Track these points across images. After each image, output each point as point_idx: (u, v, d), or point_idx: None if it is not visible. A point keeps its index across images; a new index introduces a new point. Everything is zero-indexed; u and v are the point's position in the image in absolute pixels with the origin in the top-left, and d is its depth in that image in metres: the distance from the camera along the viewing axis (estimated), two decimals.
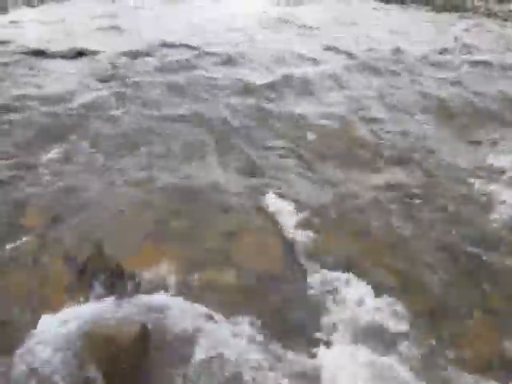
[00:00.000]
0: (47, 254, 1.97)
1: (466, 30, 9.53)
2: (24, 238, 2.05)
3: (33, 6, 14.43)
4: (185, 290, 1.79)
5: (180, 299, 1.74)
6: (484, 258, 2.03)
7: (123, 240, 2.03)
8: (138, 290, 1.80)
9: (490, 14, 12.47)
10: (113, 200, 2.35)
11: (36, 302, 1.75)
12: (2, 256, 1.94)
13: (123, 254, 1.95)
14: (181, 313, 1.67)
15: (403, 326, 1.66)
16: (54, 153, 2.91)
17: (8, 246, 2.00)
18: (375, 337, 1.58)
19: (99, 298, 1.76)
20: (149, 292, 1.78)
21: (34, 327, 1.59)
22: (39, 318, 1.63)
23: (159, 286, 1.81)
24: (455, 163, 2.92)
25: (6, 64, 5.47)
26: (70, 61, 5.85)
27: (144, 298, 1.74)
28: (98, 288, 1.82)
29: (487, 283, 1.89)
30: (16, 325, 1.66)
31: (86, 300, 1.74)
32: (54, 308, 1.68)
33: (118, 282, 1.85)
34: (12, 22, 9.98)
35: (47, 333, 1.56)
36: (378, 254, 2.04)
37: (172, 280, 1.84)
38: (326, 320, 1.68)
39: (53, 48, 6.44)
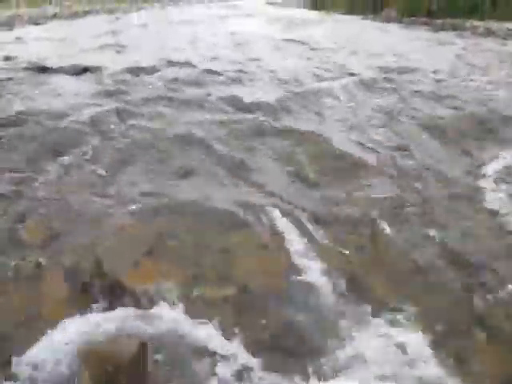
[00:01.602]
0: (46, 269, 1.96)
1: (465, 48, 9.65)
2: (24, 253, 2.04)
3: (38, 24, 14.69)
4: (184, 307, 1.77)
5: (179, 316, 1.72)
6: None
7: (122, 256, 2.02)
8: (137, 306, 1.78)
9: (488, 33, 12.63)
10: (112, 216, 2.35)
11: (34, 317, 1.73)
12: (1, 271, 1.93)
13: (122, 269, 1.93)
14: (180, 330, 1.65)
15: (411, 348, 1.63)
16: (55, 168, 2.91)
17: (7, 261, 1.99)
18: (382, 366, 1.54)
19: (98, 313, 1.74)
20: (148, 308, 1.76)
21: (33, 343, 1.56)
22: (37, 333, 1.61)
23: (158, 302, 1.79)
24: (454, 180, 2.92)
25: (10, 79, 5.54)
26: (74, 77, 5.91)
27: (143, 315, 1.72)
28: (97, 304, 1.80)
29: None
30: (14, 340, 1.64)
31: (85, 316, 1.72)
32: (53, 323, 1.66)
33: (117, 297, 1.83)
34: (18, 38, 10.16)
35: (45, 348, 1.54)
36: (381, 269, 2.03)
37: (171, 296, 1.82)
38: (328, 344, 1.64)
39: (57, 64, 6.52)
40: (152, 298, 1.81)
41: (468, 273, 2.01)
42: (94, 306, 1.78)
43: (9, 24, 13.70)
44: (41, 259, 2.01)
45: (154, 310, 1.74)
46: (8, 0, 19.46)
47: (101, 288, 1.87)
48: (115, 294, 1.84)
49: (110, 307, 1.77)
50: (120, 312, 1.73)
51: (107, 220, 2.30)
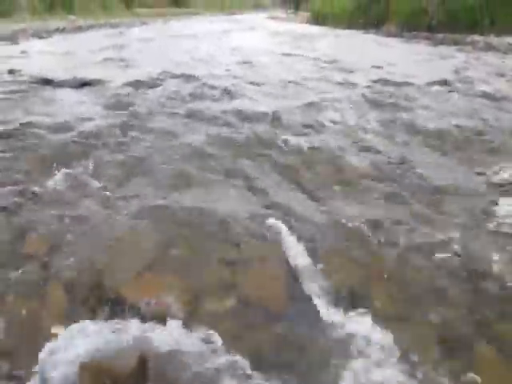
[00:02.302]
0: (47, 281, 1.95)
1: (466, 62, 9.72)
2: (24, 266, 2.03)
3: (42, 38, 14.87)
4: (185, 320, 1.75)
5: (180, 329, 1.71)
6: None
7: (123, 269, 2.01)
8: (137, 318, 1.77)
9: (489, 48, 12.73)
10: (114, 228, 2.34)
11: (35, 331, 1.71)
12: (1, 283, 1.92)
13: (123, 282, 1.92)
14: (181, 343, 1.63)
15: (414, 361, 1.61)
16: (56, 180, 2.92)
17: (7, 274, 1.98)
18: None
19: (98, 327, 1.72)
20: (148, 321, 1.74)
21: (33, 358, 1.55)
22: (37, 346, 1.59)
23: (159, 315, 1.78)
24: (456, 195, 2.90)
25: (14, 92, 5.59)
26: (77, 90, 5.97)
27: (144, 328, 1.71)
28: (98, 317, 1.79)
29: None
30: (14, 354, 1.62)
31: (85, 329, 1.71)
32: (53, 337, 1.64)
33: (118, 311, 1.82)
34: (22, 51, 10.27)
35: (45, 362, 1.53)
36: (384, 285, 2.01)
37: (172, 309, 1.81)
38: (328, 361, 1.62)
39: (60, 77, 6.59)
40: (152, 310, 1.80)
41: (474, 284, 2.00)
42: (95, 318, 1.77)
43: (13, 38, 13.86)
44: (41, 272, 2.00)
45: (155, 323, 1.73)
46: (13, 14, 19.72)
47: (101, 301, 1.86)
48: (115, 307, 1.83)
49: (111, 320, 1.76)
50: (120, 325, 1.72)
51: (108, 232, 2.30)
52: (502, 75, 7.85)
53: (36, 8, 22.09)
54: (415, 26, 18.24)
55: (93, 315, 1.79)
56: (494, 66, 9.18)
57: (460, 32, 15.75)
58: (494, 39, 13.68)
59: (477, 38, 14.60)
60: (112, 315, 1.80)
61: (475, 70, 8.45)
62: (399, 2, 19.97)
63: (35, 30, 16.48)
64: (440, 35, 16.40)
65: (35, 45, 12.58)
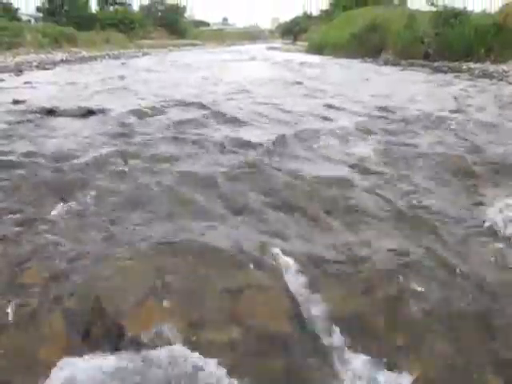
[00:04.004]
0: (46, 311, 1.92)
1: (464, 90, 9.86)
2: (23, 295, 2.01)
3: (46, 69, 15.17)
4: (186, 349, 1.72)
5: (181, 358, 1.67)
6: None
7: (124, 297, 1.99)
8: (138, 348, 1.73)
9: (485, 75, 12.95)
10: (114, 257, 2.32)
11: (34, 362, 1.68)
12: (1, 313, 1.89)
13: (124, 311, 1.89)
14: (182, 372, 1.60)
15: None
16: (58, 209, 2.92)
17: (7, 303, 1.95)
18: None
19: (99, 356, 1.69)
20: (149, 350, 1.71)
21: None
22: (36, 377, 1.56)
23: (160, 344, 1.75)
24: (458, 222, 2.89)
25: (18, 122, 5.66)
26: (80, 119, 6.04)
27: (144, 357, 1.67)
28: (98, 346, 1.75)
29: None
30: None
31: (85, 359, 1.68)
32: (53, 368, 1.61)
33: (118, 340, 1.78)
34: (26, 82, 10.45)
35: None
36: (388, 312, 1.97)
37: (173, 338, 1.77)
38: None
39: (63, 107, 6.67)
40: (154, 339, 1.77)
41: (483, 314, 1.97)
42: (95, 347, 1.74)
43: (18, 69, 14.13)
44: (40, 301, 1.97)
45: (156, 352, 1.69)
46: (18, 47, 20.19)
47: (101, 329, 1.83)
48: (116, 336, 1.79)
49: (111, 349, 1.73)
50: (121, 354, 1.69)
51: (109, 261, 2.28)
52: (500, 101, 7.96)
53: (41, 42, 22.63)
54: (412, 54, 18.64)
55: (92, 344, 1.76)
56: (490, 92, 9.32)
57: (456, 60, 16.07)
58: (489, 67, 13.94)
59: (473, 65, 14.89)
60: (112, 344, 1.76)
61: (474, 97, 8.56)
62: (396, 31, 20.46)
63: (39, 62, 16.83)
64: (436, 63, 16.72)
65: (39, 75, 12.81)
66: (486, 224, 2.82)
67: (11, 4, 30.90)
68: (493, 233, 2.72)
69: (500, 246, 2.56)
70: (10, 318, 1.88)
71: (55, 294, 2.02)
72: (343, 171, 3.84)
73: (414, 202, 3.18)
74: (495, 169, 3.97)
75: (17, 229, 2.60)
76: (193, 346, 1.74)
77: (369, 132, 5.35)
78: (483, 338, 1.84)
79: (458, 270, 2.27)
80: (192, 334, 1.80)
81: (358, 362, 1.70)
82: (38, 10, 36.18)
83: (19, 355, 1.72)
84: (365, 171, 3.85)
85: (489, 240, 2.63)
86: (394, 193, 3.34)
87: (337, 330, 1.86)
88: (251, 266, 2.27)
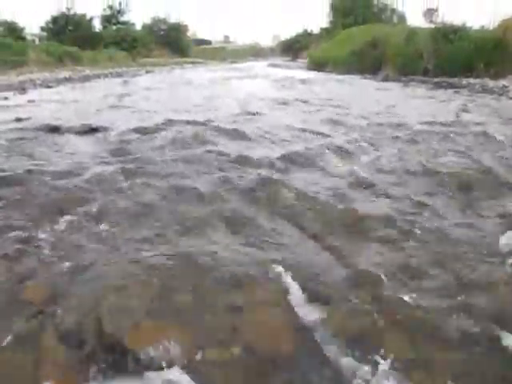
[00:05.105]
0: (46, 331, 1.90)
1: (464, 104, 9.90)
2: (23, 315, 1.99)
3: (50, 87, 15.33)
4: (188, 369, 1.69)
5: (183, 378, 1.65)
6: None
7: (124, 316, 1.96)
8: (138, 368, 1.71)
9: (485, 90, 13.03)
10: (115, 274, 2.31)
11: (33, 381, 1.66)
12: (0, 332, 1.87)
13: (124, 330, 1.87)
14: None
15: None
16: (59, 226, 2.92)
17: (6, 322, 1.94)
18: None
19: (99, 377, 1.67)
20: (150, 371, 1.68)
21: None
22: None
23: (161, 364, 1.72)
24: (463, 237, 2.86)
25: (21, 139, 5.70)
26: (82, 136, 6.08)
27: (145, 377, 1.65)
28: (98, 367, 1.73)
29: None
30: None
31: (86, 380, 1.65)
32: None
33: (118, 360, 1.76)
34: (30, 100, 10.55)
35: None
36: (393, 331, 1.95)
37: (174, 358, 1.75)
38: None
39: (66, 125, 6.73)
40: (154, 359, 1.74)
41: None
42: (94, 367, 1.71)
43: (22, 87, 14.28)
44: (40, 320, 1.96)
45: (156, 373, 1.67)
46: (23, 66, 20.44)
47: (100, 349, 1.81)
48: (116, 356, 1.77)
49: (111, 369, 1.71)
50: (121, 375, 1.66)
51: (109, 279, 2.26)
52: (500, 116, 7.99)
53: (45, 61, 22.93)
54: (411, 70, 18.79)
55: (91, 364, 1.74)
56: (491, 107, 9.36)
57: (455, 75, 16.19)
58: (489, 82, 14.03)
59: (472, 80, 14.99)
60: (112, 364, 1.74)
61: (475, 112, 8.60)
62: (395, 47, 20.67)
63: (43, 80, 17.02)
64: (436, 79, 16.84)
65: (43, 93, 12.95)
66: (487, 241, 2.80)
67: (16, 23, 31.41)
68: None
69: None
70: (9, 337, 1.86)
71: (55, 312, 2.00)
72: (346, 187, 3.83)
73: (418, 217, 3.16)
74: (495, 182, 3.98)
75: (18, 246, 2.59)
76: (194, 366, 1.71)
77: (373, 147, 5.37)
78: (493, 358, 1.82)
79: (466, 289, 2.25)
80: (193, 353, 1.78)
81: (361, 380, 1.68)
82: (43, 29, 36.76)
83: (17, 375, 1.70)
84: (368, 187, 3.85)
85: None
86: (398, 209, 3.33)
87: (340, 347, 1.83)
88: (253, 283, 2.25)
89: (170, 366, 1.71)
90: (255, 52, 78.14)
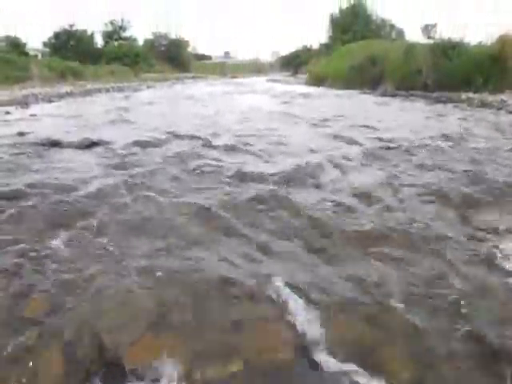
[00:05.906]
0: (45, 346, 1.89)
1: (464, 119, 9.97)
2: (22, 329, 1.98)
3: (52, 102, 15.44)
4: None
5: None
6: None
7: (123, 331, 1.96)
8: (137, 383, 1.70)
9: (484, 105, 13.11)
10: (114, 289, 2.30)
11: None
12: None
13: (123, 345, 1.86)
14: None
15: None
16: (59, 240, 2.92)
17: (6, 337, 1.93)
18: None
19: None
20: None
21: None
22: None
23: (160, 380, 1.71)
24: (459, 251, 2.87)
25: (23, 153, 5.73)
26: (83, 151, 6.11)
27: None
28: (97, 382, 1.72)
29: None
30: None
31: None
32: None
33: (117, 375, 1.75)
34: (32, 115, 10.62)
35: None
36: (393, 344, 1.94)
37: (174, 374, 1.74)
38: None
39: (67, 139, 6.77)
40: (153, 375, 1.73)
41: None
42: (93, 383, 1.70)
43: (24, 102, 14.39)
44: (40, 335, 1.95)
45: None
46: (25, 81, 20.62)
47: (100, 364, 1.80)
48: (115, 371, 1.76)
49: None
50: None
51: (109, 293, 2.26)
52: (499, 130, 8.04)
53: (47, 76, 23.14)
54: (410, 85, 18.93)
55: (90, 379, 1.73)
56: (490, 121, 9.41)
57: (454, 90, 16.29)
58: (488, 97, 14.11)
59: (471, 95, 15.08)
60: (111, 379, 1.73)
61: (474, 126, 8.65)
62: (394, 62, 20.86)
63: (45, 95, 17.15)
64: (435, 93, 16.95)
65: (45, 108, 13.04)
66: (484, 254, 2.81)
67: (19, 39, 31.81)
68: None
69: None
70: (7, 351, 1.85)
71: (54, 327, 2.00)
72: (348, 201, 3.84)
73: (419, 231, 3.17)
74: (495, 195, 3.98)
75: (18, 260, 2.59)
76: (193, 382, 1.70)
77: (374, 161, 5.39)
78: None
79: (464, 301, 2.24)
80: (193, 369, 1.77)
81: None
82: (45, 45, 37.21)
83: None
84: (370, 200, 3.86)
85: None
86: (398, 221, 3.33)
87: (341, 361, 1.82)
88: (253, 298, 2.24)
89: (169, 382, 1.70)
90: (255, 67, 78.80)
